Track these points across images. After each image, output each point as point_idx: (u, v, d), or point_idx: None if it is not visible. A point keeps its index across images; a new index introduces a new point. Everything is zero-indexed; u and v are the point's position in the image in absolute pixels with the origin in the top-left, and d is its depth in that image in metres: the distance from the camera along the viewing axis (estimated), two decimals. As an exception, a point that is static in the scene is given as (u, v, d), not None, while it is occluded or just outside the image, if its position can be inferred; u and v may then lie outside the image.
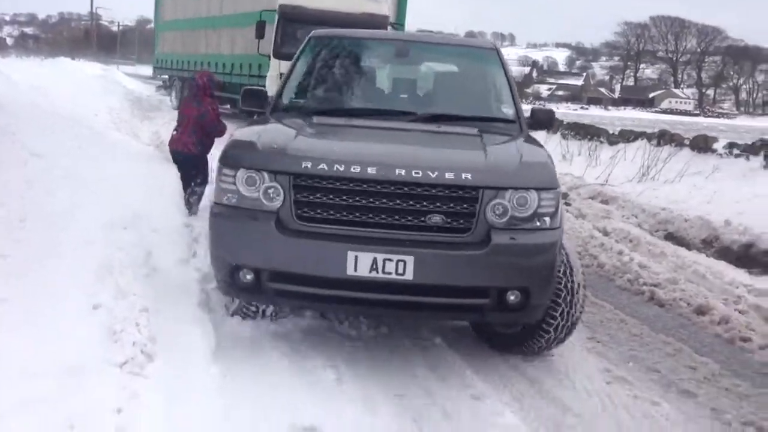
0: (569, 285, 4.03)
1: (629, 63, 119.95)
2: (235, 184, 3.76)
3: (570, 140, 13.73)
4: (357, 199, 3.64)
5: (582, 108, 74.43)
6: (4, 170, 5.03)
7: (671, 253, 6.86)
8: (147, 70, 56.48)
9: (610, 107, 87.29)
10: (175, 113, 7.21)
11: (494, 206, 3.65)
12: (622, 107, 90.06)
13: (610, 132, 14.25)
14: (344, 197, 3.65)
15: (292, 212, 3.68)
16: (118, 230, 4.70)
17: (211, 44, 19.10)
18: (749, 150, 10.33)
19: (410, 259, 3.55)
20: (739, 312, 5.29)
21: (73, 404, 2.90)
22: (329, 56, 5.30)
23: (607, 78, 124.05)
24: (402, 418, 3.45)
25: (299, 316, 4.47)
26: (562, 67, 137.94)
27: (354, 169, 3.64)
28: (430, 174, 3.63)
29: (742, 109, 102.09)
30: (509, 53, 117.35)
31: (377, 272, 3.55)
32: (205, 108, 6.87)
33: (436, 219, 3.64)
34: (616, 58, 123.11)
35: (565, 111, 47.50)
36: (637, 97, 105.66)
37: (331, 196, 3.66)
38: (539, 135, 9.29)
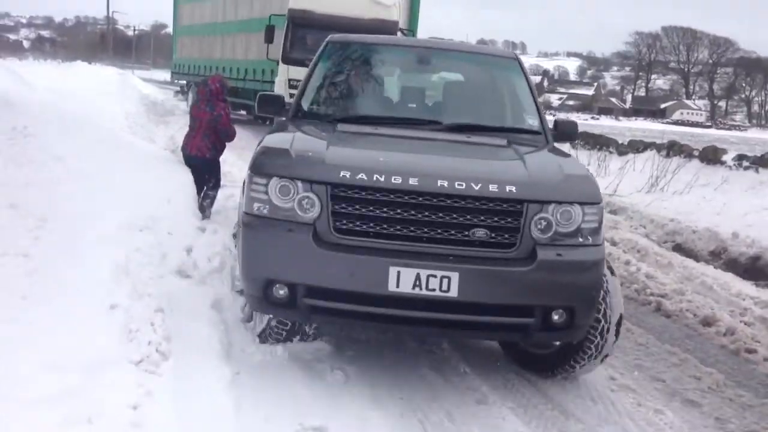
0: (609, 303, 3.90)
1: (641, 73, 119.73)
2: (267, 193, 3.59)
3: (579, 150, 13.78)
4: (398, 211, 3.49)
5: (593, 118, 74.23)
6: (25, 172, 5.15)
7: (678, 264, 6.91)
8: (162, 74, 56.97)
9: (620, 117, 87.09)
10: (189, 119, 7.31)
11: (538, 221, 3.52)
12: (633, 118, 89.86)
13: (620, 142, 14.30)
14: (385, 209, 3.49)
15: (329, 224, 3.50)
16: (134, 232, 4.80)
17: (226, 49, 19.27)
18: (759, 162, 10.38)
19: (455, 276, 3.40)
20: (745, 324, 5.34)
21: (90, 400, 2.99)
22: (349, 62, 5.22)
23: (618, 88, 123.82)
24: (408, 419, 3.53)
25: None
26: (573, 77, 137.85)
27: (395, 179, 3.49)
28: (474, 186, 3.50)
29: (754, 121, 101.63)
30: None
31: (420, 289, 3.40)
32: (219, 112, 6.98)
33: (480, 234, 3.49)
34: (628, 68, 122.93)
35: (575, 121, 47.10)
36: (648, 108, 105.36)
37: (371, 208, 3.49)
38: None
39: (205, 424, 3.17)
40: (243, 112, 17.98)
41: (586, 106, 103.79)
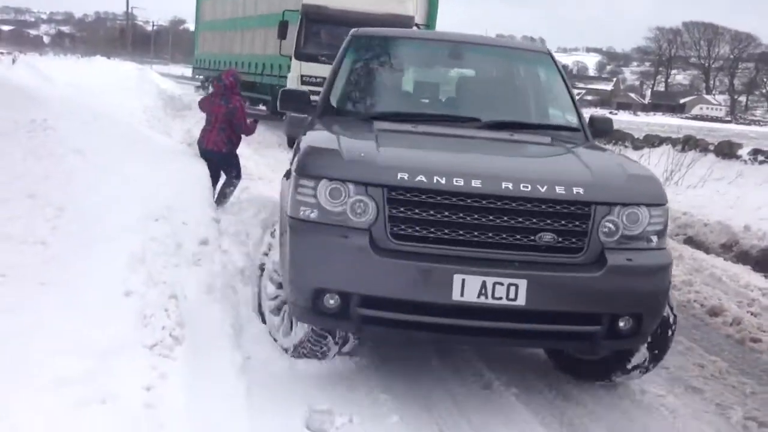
0: (667, 307, 3.75)
1: (660, 68, 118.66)
2: (315, 196, 3.38)
3: (595, 144, 13.77)
4: (460, 215, 3.30)
5: (611, 113, 73.76)
6: (44, 165, 5.29)
7: (689, 256, 6.94)
8: (179, 69, 57.27)
9: (639, 112, 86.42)
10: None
11: (605, 224, 3.37)
12: (652, 113, 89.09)
13: (635, 137, 14.28)
14: (446, 213, 3.30)
15: (386, 230, 3.30)
16: (150, 222, 4.92)
17: (245, 44, 19.39)
18: (774, 157, 10.34)
19: (523, 283, 3.22)
20: (752, 314, 5.38)
21: (105, 382, 3.09)
22: (377, 57, 5.09)
23: (637, 83, 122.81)
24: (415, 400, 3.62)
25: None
26: (592, 72, 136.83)
27: (457, 181, 3.30)
28: (540, 188, 3.32)
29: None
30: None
31: (486, 297, 3.22)
32: (234, 104, 7.09)
33: (548, 238, 3.32)
34: (647, 64, 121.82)
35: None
36: (667, 103, 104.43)
37: (431, 212, 3.30)
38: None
39: (217, 405, 3.27)
40: (263, 107, 18.06)
41: (604, 101, 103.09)
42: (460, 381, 3.90)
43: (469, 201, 3.30)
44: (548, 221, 3.32)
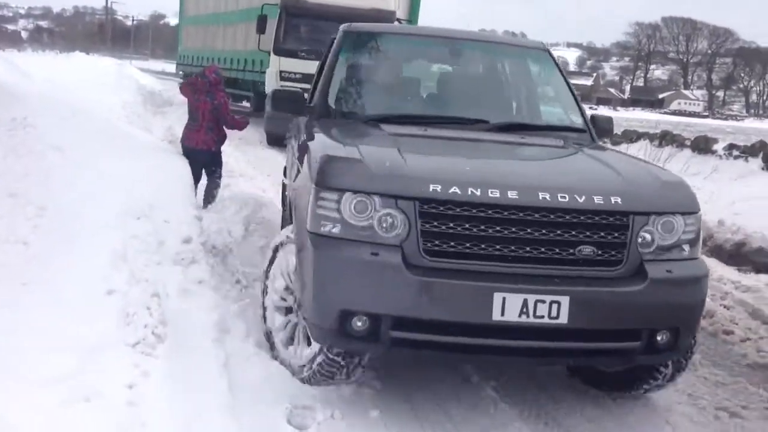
0: None
1: (640, 64, 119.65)
2: (338, 210, 3.15)
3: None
4: (497, 229, 3.12)
5: (591, 108, 74.28)
6: (24, 163, 5.28)
7: (664, 251, 7.05)
8: (160, 65, 56.82)
9: (619, 108, 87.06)
10: (186, 108, 7.40)
11: (643, 234, 3.24)
12: (631, 108, 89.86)
13: (614, 132, 14.43)
14: (483, 227, 3.11)
15: (418, 246, 3.10)
16: (132, 220, 4.93)
17: (227, 40, 19.29)
18: (749, 151, 10.52)
19: (565, 300, 3.06)
20: (725, 307, 5.50)
21: (88, 381, 3.13)
22: (374, 54, 4.90)
23: (617, 78, 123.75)
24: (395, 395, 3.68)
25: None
26: (572, 67, 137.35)
27: (492, 193, 3.12)
28: (578, 198, 3.17)
29: (752, 111, 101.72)
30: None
31: (527, 316, 3.05)
32: (219, 101, 7.09)
33: (587, 251, 3.17)
34: (627, 59, 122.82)
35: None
36: (646, 98, 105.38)
37: (466, 226, 3.11)
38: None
39: (199, 402, 3.30)
40: (246, 104, 17.94)
41: (584, 96, 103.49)
42: (440, 375, 3.96)
43: (505, 213, 3.12)
44: (587, 233, 3.17)
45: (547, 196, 3.15)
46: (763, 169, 9.85)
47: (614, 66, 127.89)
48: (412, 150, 3.63)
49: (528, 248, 3.14)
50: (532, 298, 3.05)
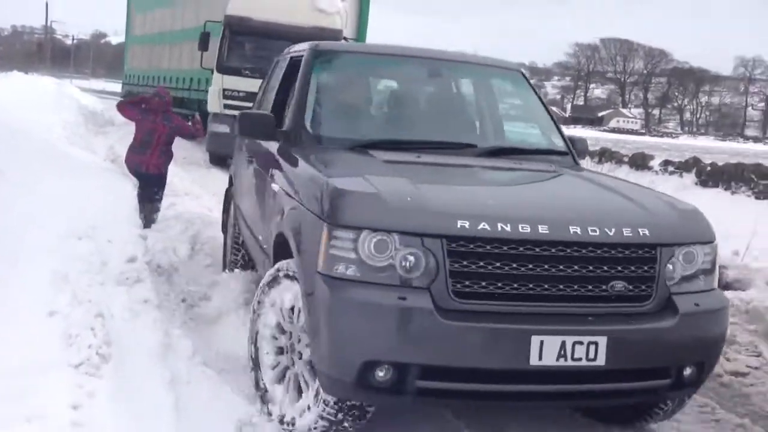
0: None
1: (580, 83, 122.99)
2: (355, 250, 2.87)
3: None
4: (530, 266, 2.92)
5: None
6: (-40, 183, 5.16)
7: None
8: (101, 84, 55.82)
9: (561, 126, 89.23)
10: (129, 129, 7.32)
11: (669, 266, 3.11)
12: (572, 125, 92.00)
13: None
14: (514, 265, 2.91)
15: (447, 287, 2.85)
16: (74, 240, 4.86)
17: (173, 59, 19.06)
18: (683, 167, 10.94)
19: (602, 340, 2.90)
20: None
21: (30, 402, 3.07)
22: (351, 75, 4.69)
23: (558, 97, 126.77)
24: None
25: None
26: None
27: (523, 228, 2.92)
28: (608, 231, 3.02)
29: (686, 128, 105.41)
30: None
31: (565, 359, 2.86)
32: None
33: (620, 287, 3.02)
34: (568, 78, 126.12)
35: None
36: (586, 116, 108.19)
37: (497, 264, 2.90)
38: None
39: (146, 421, 3.28)
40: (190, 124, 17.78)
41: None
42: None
43: (537, 250, 2.93)
44: (619, 267, 3.02)
45: (578, 230, 2.99)
46: (696, 183, 10.24)
47: (555, 85, 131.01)
48: (422, 181, 3.35)
49: (561, 286, 2.96)
50: (570, 340, 2.87)
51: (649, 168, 11.46)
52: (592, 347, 2.89)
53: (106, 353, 3.69)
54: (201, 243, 6.21)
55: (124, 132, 8.56)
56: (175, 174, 9.99)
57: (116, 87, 40.92)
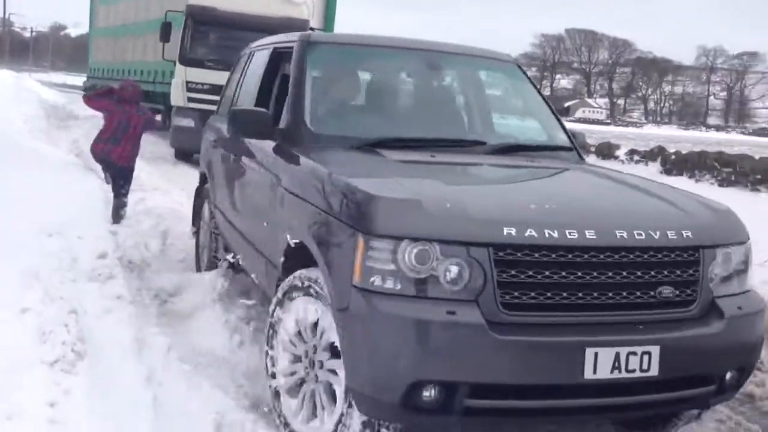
0: None
1: (546, 73, 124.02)
2: (395, 261, 2.67)
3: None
4: (578, 274, 2.77)
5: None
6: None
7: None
8: (61, 77, 54.86)
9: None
10: (94, 122, 7.23)
11: (711, 268, 3.01)
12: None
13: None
14: (563, 273, 2.76)
15: (495, 299, 2.68)
16: (43, 237, 4.82)
17: (137, 51, 18.71)
18: (648, 156, 11.14)
19: (655, 350, 2.77)
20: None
21: (7, 400, 3.04)
22: (349, 69, 4.48)
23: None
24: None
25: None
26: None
27: (571, 234, 2.77)
28: (653, 234, 2.90)
29: (650, 118, 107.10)
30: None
31: (620, 371, 2.73)
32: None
33: (667, 292, 2.90)
34: (534, 69, 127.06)
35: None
36: (553, 107, 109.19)
37: (546, 273, 2.74)
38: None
39: (123, 418, 3.26)
40: (158, 118, 17.52)
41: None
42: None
43: (585, 256, 2.78)
44: (665, 272, 2.91)
45: (625, 234, 2.85)
46: (661, 172, 10.45)
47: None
48: (452, 184, 3.21)
49: (610, 293, 2.82)
50: (623, 351, 2.73)
51: (615, 157, 11.65)
52: (646, 357, 2.77)
53: (81, 350, 3.66)
54: (173, 238, 6.16)
55: (89, 126, 8.43)
56: (141, 169, 9.87)
57: (77, 80, 40.26)
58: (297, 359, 3.26)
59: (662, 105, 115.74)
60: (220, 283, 5.03)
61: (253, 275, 4.39)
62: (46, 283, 4.21)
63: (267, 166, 3.99)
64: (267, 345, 3.42)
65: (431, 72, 4.57)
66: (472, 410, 2.73)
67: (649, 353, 2.76)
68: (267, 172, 3.95)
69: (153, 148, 12.91)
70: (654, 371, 2.77)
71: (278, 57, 4.58)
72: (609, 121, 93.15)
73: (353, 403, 2.85)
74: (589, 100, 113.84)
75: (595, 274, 2.79)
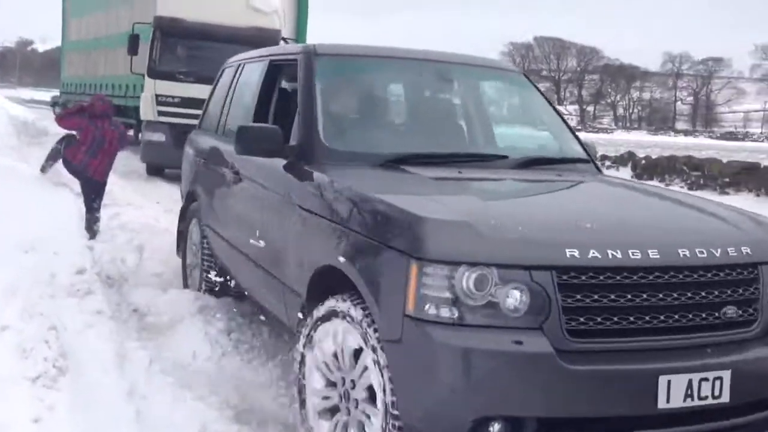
0: None
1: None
2: (452, 288, 2.50)
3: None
4: (644, 297, 2.63)
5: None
6: None
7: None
8: (29, 93, 54.15)
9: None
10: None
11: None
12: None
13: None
14: (628, 296, 2.61)
15: (561, 326, 2.51)
16: (19, 254, 4.79)
17: (108, 65, 18.53)
18: (619, 161, 11.34)
19: (726, 375, 2.63)
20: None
21: (-9, 416, 3.05)
22: (362, 83, 4.32)
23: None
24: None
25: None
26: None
27: (634, 254, 2.63)
28: (714, 252, 2.78)
29: (620, 123, 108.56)
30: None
31: (692, 399, 2.58)
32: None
33: (731, 312, 2.77)
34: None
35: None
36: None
37: (612, 297, 2.59)
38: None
39: (107, 430, 3.27)
40: (131, 132, 17.38)
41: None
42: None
43: (650, 277, 2.65)
44: (728, 291, 2.78)
45: (687, 253, 2.72)
46: (632, 177, 10.61)
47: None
48: (496, 201, 3.13)
49: (676, 316, 2.68)
50: (696, 378, 2.59)
51: (587, 163, 11.83)
52: (717, 383, 2.63)
53: (63, 366, 3.66)
54: (150, 252, 6.15)
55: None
56: (114, 183, 9.81)
57: (45, 96, 39.81)
58: (332, 384, 3.07)
59: (631, 111, 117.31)
60: (198, 295, 5.05)
61: (260, 298, 4.26)
62: (24, 299, 4.20)
63: (275, 185, 3.81)
64: (299, 372, 3.23)
65: (443, 83, 4.45)
66: None
67: (720, 378, 2.63)
68: (276, 192, 3.78)
69: (125, 162, 12.80)
70: (725, 397, 2.64)
71: (276, 70, 4.44)
72: (580, 127, 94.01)
73: None
74: (560, 107, 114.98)
75: (660, 295, 2.66)
